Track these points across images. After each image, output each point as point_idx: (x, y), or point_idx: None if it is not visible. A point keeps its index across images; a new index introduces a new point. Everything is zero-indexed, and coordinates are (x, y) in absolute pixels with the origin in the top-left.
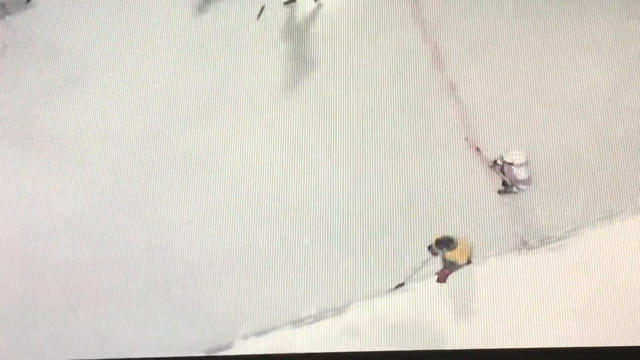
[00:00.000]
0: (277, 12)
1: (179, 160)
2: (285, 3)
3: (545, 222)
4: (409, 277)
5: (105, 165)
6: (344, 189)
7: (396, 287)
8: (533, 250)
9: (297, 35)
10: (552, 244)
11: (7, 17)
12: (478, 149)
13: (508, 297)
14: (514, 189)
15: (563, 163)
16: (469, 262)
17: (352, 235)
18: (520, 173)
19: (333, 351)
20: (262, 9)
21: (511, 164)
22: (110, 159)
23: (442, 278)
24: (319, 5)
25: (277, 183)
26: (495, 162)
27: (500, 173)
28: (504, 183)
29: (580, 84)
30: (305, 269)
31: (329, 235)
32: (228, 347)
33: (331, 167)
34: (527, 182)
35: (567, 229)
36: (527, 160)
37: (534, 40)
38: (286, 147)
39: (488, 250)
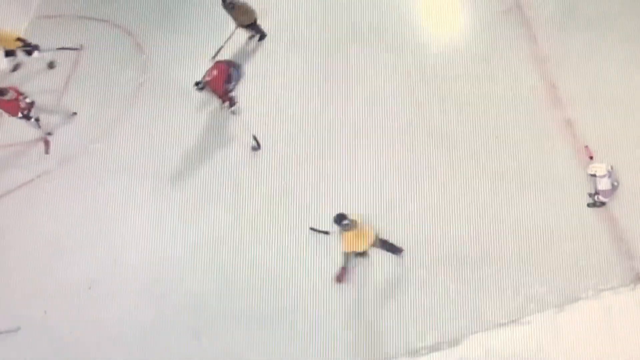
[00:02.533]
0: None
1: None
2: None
3: None
4: (523, 310)
5: (229, 203)
6: (458, 222)
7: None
8: None
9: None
10: None
11: (143, 57)
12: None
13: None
14: (598, 202)
15: None
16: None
17: (467, 267)
18: (602, 184)
19: None
20: None
21: (594, 175)
22: (234, 197)
23: (340, 277)
24: None
25: (394, 222)
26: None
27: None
28: (590, 195)
29: None
30: (422, 302)
31: (443, 266)
32: None
33: (447, 201)
34: (608, 193)
35: None
36: (609, 173)
37: None
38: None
39: (602, 284)
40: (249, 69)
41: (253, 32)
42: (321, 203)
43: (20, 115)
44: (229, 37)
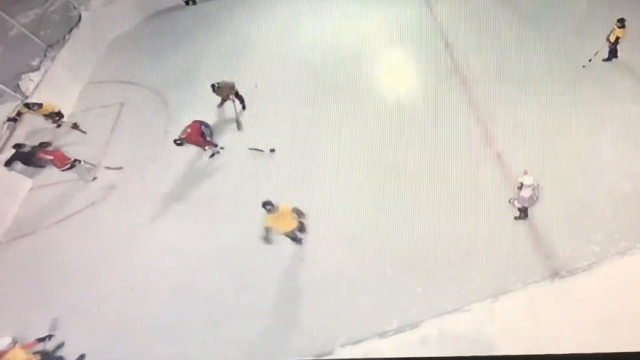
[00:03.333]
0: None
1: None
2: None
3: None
4: (466, 300)
5: (240, 216)
6: (414, 233)
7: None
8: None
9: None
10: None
11: (168, 109)
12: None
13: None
14: (521, 214)
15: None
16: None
17: (422, 268)
18: (524, 191)
19: (409, 357)
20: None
21: (522, 183)
22: (243, 213)
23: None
24: None
25: (370, 231)
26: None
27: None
28: (510, 200)
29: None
30: (390, 294)
31: (404, 267)
32: (330, 353)
33: (410, 220)
34: (524, 200)
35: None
36: (533, 185)
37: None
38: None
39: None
40: (250, 119)
41: (237, 99)
42: (317, 219)
43: (65, 167)
44: (238, 110)
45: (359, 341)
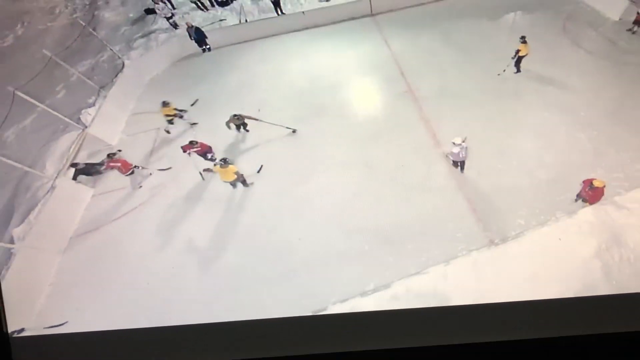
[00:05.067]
0: None
1: (293, 206)
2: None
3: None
4: (424, 265)
5: (258, 212)
6: (387, 216)
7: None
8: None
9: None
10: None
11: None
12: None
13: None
14: (457, 166)
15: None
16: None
17: (392, 242)
18: (455, 149)
19: (384, 309)
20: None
21: (453, 143)
22: (262, 208)
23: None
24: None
25: (351, 215)
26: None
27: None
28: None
29: (516, 152)
30: (368, 263)
31: (380, 242)
32: (324, 309)
33: (381, 205)
34: (457, 155)
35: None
36: (461, 145)
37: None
38: (358, 197)
39: (471, 246)
40: (255, 134)
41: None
42: (299, 211)
43: (128, 173)
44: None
45: (346, 299)
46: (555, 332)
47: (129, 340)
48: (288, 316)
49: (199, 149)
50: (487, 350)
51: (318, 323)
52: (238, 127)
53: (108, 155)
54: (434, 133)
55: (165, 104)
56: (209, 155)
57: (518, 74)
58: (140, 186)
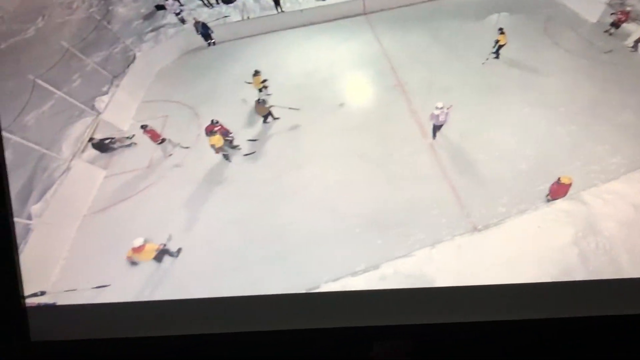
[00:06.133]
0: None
1: (289, 191)
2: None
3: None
4: (411, 248)
5: (257, 196)
6: (377, 202)
7: None
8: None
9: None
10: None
11: (199, 120)
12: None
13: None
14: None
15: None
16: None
17: (381, 226)
18: (436, 112)
19: (372, 289)
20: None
21: (436, 107)
22: (260, 192)
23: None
24: None
25: (344, 201)
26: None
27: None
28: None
29: (498, 145)
30: (358, 245)
31: (369, 226)
32: (317, 287)
33: (372, 192)
34: (436, 118)
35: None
36: (443, 109)
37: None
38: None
39: (455, 232)
40: (259, 122)
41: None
42: (294, 196)
43: (158, 142)
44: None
45: (337, 279)
46: (533, 313)
47: (136, 311)
48: (283, 293)
49: (220, 127)
50: (469, 329)
51: (311, 300)
52: (266, 117)
53: (141, 127)
54: (422, 125)
55: (257, 73)
56: (230, 135)
57: (496, 60)
58: (171, 154)
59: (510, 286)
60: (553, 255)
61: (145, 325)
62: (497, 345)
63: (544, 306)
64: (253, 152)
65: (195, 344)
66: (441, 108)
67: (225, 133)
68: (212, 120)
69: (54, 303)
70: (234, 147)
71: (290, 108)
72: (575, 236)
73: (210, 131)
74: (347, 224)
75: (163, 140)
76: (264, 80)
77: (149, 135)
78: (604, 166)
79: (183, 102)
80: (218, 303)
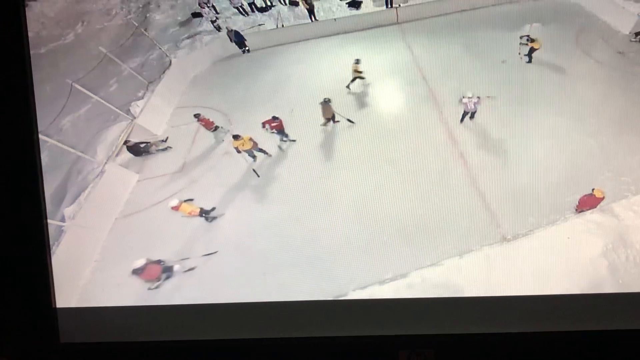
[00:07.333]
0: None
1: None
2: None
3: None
4: (440, 257)
5: (288, 202)
6: (405, 210)
7: None
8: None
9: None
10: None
11: (231, 126)
12: None
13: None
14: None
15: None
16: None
17: (409, 234)
18: (465, 100)
19: (399, 297)
20: None
21: (463, 97)
22: (291, 198)
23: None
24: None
25: (372, 208)
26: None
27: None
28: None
29: (529, 155)
30: (386, 253)
31: (397, 234)
32: (345, 295)
33: (400, 200)
34: (466, 106)
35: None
36: (470, 99)
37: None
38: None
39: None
40: (295, 129)
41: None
42: (324, 202)
43: (212, 129)
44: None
45: (365, 287)
46: (561, 325)
47: (164, 314)
48: (311, 300)
49: (278, 123)
50: (496, 340)
51: (339, 307)
52: (328, 120)
53: (194, 115)
54: (452, 134)
55: (357, 62)
56: (285, 135)
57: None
58: (222, 140)
59: (539, 297)
60: (582, 267)
61: (173, 329)
62: (526, 357)
63: (572, 318)
64: (294, 140)
65: (223, 348)
66: (470, 97)
67: (281, 132)
68: (274, 117)
69: (84, 305)
70: (261, 152)
71: (348, 120)
72: (605, 248)
73: (268, 124)
74: (375, 231)
75: (216, 128)
76: (361, 72)
77: (203, 123)
78: (635, 178)
79: (217, 109)
80: (246, 308)
